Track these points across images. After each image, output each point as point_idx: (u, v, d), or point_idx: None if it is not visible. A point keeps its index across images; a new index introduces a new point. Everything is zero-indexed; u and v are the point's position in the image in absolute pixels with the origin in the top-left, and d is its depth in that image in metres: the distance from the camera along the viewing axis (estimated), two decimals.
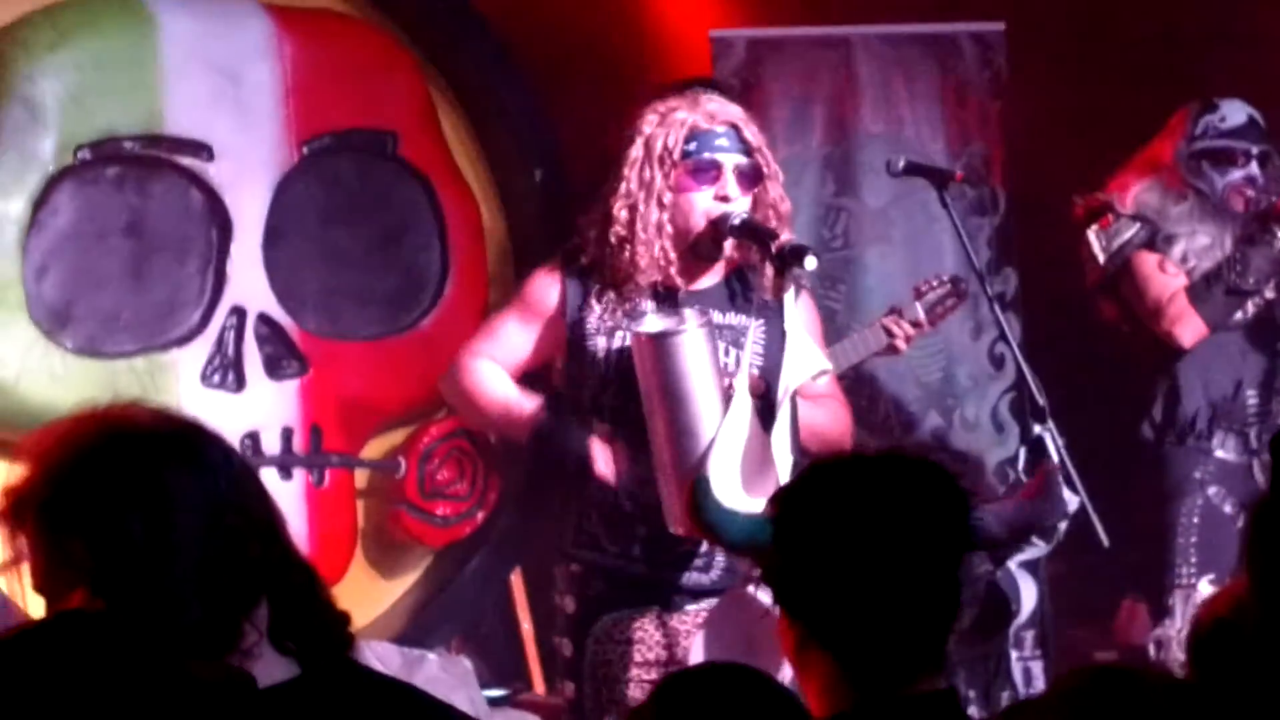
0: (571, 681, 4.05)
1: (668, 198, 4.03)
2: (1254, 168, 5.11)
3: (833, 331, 5.27)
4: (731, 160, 4.06)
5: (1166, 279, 5.12)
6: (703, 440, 3.86)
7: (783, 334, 4.05)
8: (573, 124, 5.51)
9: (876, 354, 4.78)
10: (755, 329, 4.10)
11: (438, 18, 5.14)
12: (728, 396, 3.95)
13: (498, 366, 4.12)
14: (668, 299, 4.07)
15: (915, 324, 4.69)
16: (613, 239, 4.04)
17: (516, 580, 5.42)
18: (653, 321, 3.98)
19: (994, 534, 2.66)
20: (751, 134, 4.11)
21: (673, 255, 4.03)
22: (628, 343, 3.99)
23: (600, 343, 4.03)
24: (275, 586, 2.10)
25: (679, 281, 4.07)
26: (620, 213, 4.05)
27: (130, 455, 2.07)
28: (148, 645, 1.82)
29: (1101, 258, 5.22)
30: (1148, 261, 5.15)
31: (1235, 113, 5.16)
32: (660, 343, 3.87)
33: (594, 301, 4.05)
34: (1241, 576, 2.21)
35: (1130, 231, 5.17)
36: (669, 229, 4.03)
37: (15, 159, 4.65)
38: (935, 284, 4.84)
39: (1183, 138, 5.19)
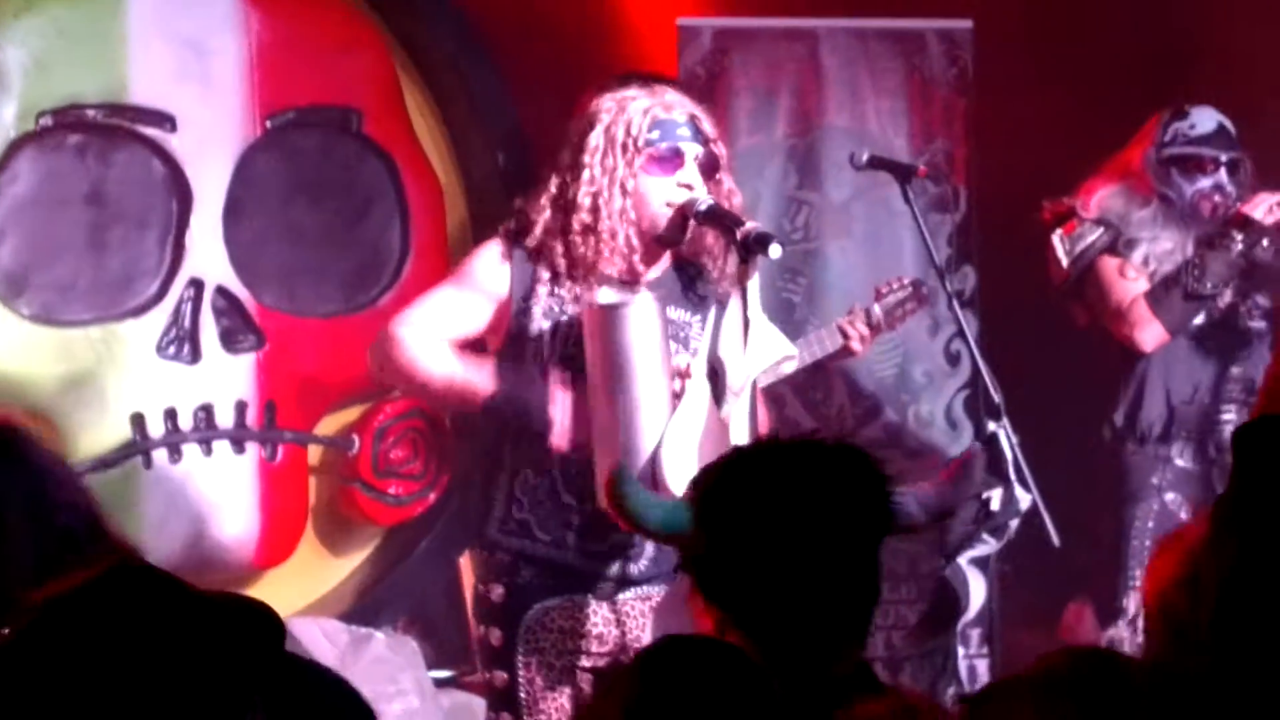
0: (502, 671, 4.01)
1: (631, 185, 4.02)
2: (1223, 175, 5.12)
3: (791, 324, 5.30)
4: (693, 149, 4.06)
5: (1127, 284, 5.14)
6: (644, 417, 3.84)
7: (731, 325, 4.05)
8: (536, 108, 5.50)
9: (833, 356, 4.78)
10: (714, 315, 4.09)
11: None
12: (676, 376, 3.94)
13: (432, 335, 4.00)
14: (626, 287, 4.05)
15: (874, 326, 4.70)
16: (576, 226, 4.00)
17: (466, 563, 5.41)
18: (604, 293, 3.97)
19: (914, 517, 2.68)
20: (709, 126, 4.12)
21: (636, 243, 4.02)
22: (575, 331, 3.96)
23: (545, 327, 3.98)
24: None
25: (640, 269, 4.06)
26: (583, 200, 4.02)
27: None
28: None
29: (1065, 261, 5.25)
30: (1109, 267, 5.18)
31: (1205, 120, 5.17)
32: (609, 312, 3.86)
33: (540, 288, 4.00)
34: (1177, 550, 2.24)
35: (1093, 236, 5.20)
36: (632, 215, 4.02)
37: None
38: (896, 286, 4.85)
39: (1152, 144, 5.21)
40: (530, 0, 5.72)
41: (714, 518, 2.46)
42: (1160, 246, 5.15)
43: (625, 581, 3.99)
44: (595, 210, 4.00)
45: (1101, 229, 5.19)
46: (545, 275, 4.01)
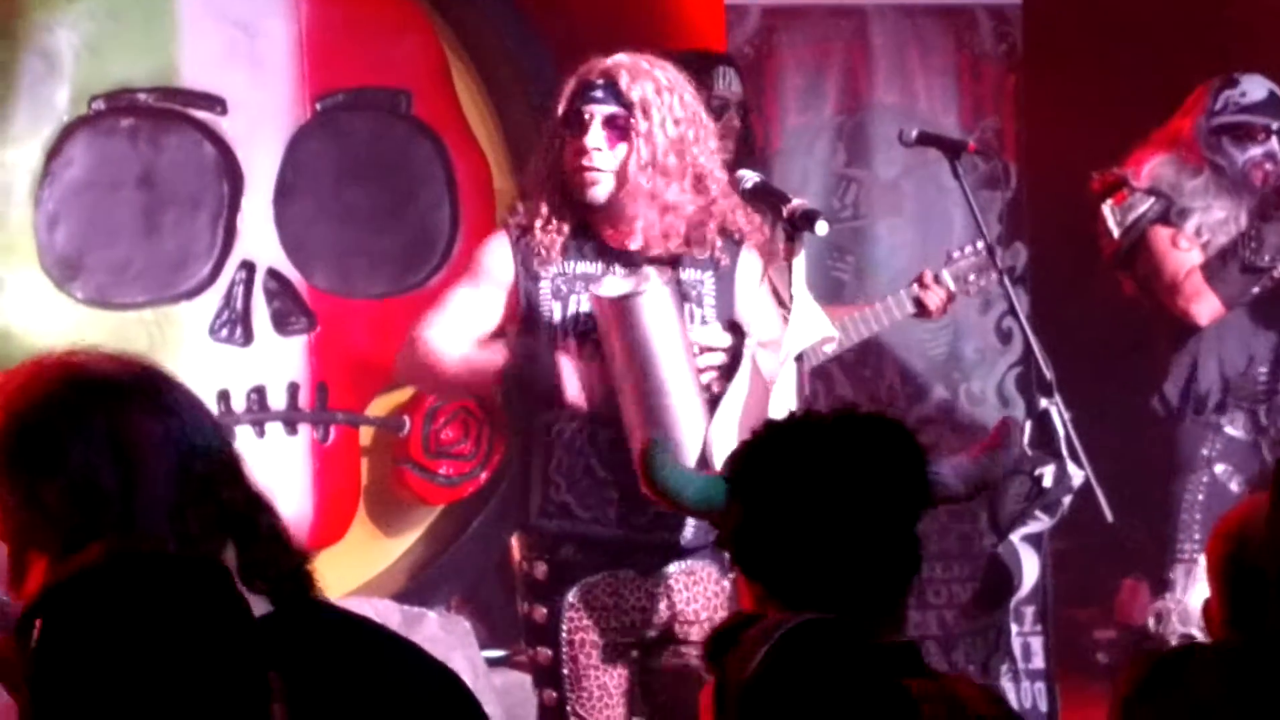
0: (547, 648, 4.01)
1: (552, 152, 4.00)
2: (1274, 143, 5.09)
3: (840, 302, 5.29)
4: (602, 110, 3.97)
5: (1181, 255, 5.11)
6: (673, 400, 3.82)
7: (742, 284, 4.02)
8: None
9: (910, 316, 4.75)
10: (710, 287, 4.03)
11: None
12: (696, 354, 3.90)
13: (449, 333, 3.99)
14: (623, 259, 3.99)
15: (946, 290, 4.68)
16: (532, 195, 4.02)
17: (517, 543, 5.42)
18: (612, 283, 3.93)
19: (952, 489, 2.67)
20: (634, 89, 3.99)
21: (563, 211, 3.96)
22: (584, 307, 3.94)
23: (556, 307, 3.97)
24: (242, 529, 2.09)
25: (601, 232, 3.98)
26: (535, 169, 4.06)
27: (96, 400, 2.05)
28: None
29: (1116, 232, 5.21)
30: (1162, 237, 5.14)
31: (1256, 88, 5.15)
32: (622, 304, 3.83)
33: (547, 267, 3.98)
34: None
35: (1144, 206, 5.17)
36: (556, 182, 3.98)
37: (30, 109, 4.66)
38: (970, 251, 4.81)
39: (1202, 113, 5.17)
40: None
41: (749, 491, 2.46)
42: (1213, 216, 5.11)
43: (670, 553, 3.98)
44: (538, 176, 4.00)
45: (1153, 199, 5.15)
46: (540, 250, 3.97)
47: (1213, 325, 5.13)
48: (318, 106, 4.93)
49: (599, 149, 3.91)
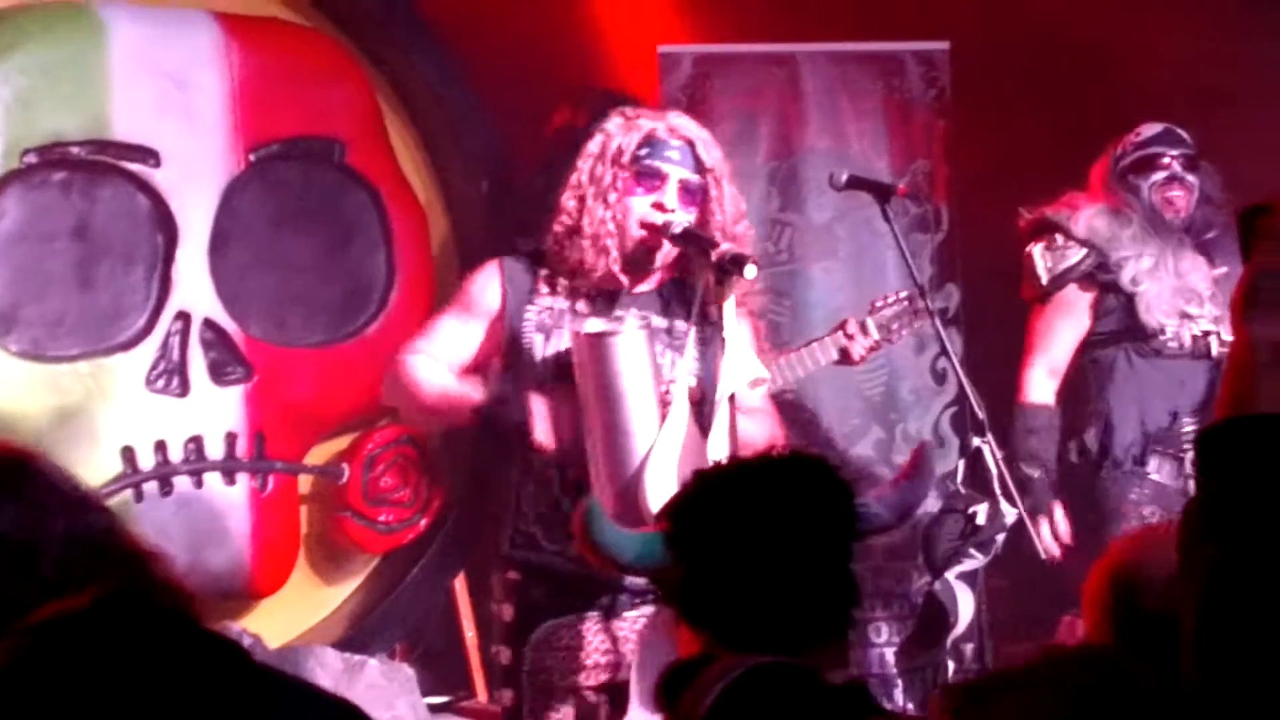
0: (510, 689, 4.05)
1: (613, 196, 4.08)
2: (1176, 168, 5.17)
3: (777, 346, 5.33)
4: (678, 173, 4.10)
5: (1054, 337, 5.16)
6: (637, 442, 3.89)
7: (719, 344, 4.09)
8: (520, 136, 5.55)
9: (833, 363, 4.81)
10: (694, 336, 4.13)
11: (387, 28, 5.16)
12: (665, 401, 3.98)
13: (434, 360, 4.13)
14: (608, 299, 4.11)
15: (871, 339, 4.73)
16: (559, 228, 4.09)
17: (460, 588, 5.44)
18: (594, 323, 4.02)
19: (880, 518, 2.72)
20: (709, 156, 4.15)
21: (615, 253, 4.06)
22: (566, 344, 4.02)
23: (539, 341, 4.06)
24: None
25: (622, 280, 4.11)
26: (569, 203, 4.12)
27: None
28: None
29: (1044, 279, 5.24)
30: (1059, 306, 5.18)
31: (1150, 128, 5.26)
32: (598, 342, 3.91)
33: (537, 295, 4.09)
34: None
35: (1076, 258, 5.19)
36: (611, 227, 4.07)
37: None
38: (891, 299, 4.87)
39: (1110, 162, 5.27)
40: (511, 28, 5.79)
41: (687, 544, 2.50)
42: (1144, 264, 5.16)
43: (637, 594, 4.02)
44: (579, 214, 4.07)
45: (1086, 251, 5.18)
46: (542, 285, 4.08)
47: (1134, 377, 5.17)
48: (251, 157, 4.94)
49: (670, 208, 4.02)
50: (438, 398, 4.12)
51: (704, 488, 2.56)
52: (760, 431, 4.25)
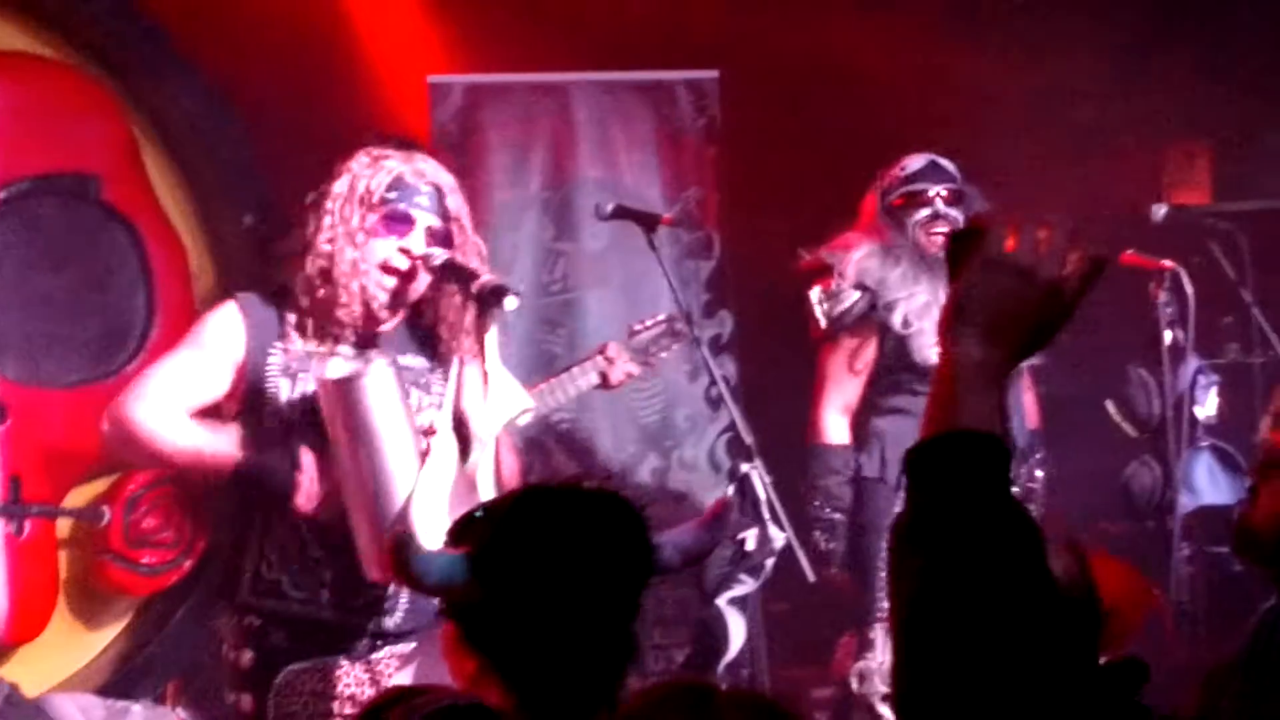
0: None
1: (361, 238, 4.03)
2: (940, 205, 5.18)
3: (553, 374, 5.32)
4: (425, 219, 4.05)
5: (838, 383, 5.20)
6: (397, 483, 3.84)
7: (480, 378, 4.06)
8: (288, 168, 5.48)
9: (593, 388, 4.82)
10: (454, 370, 4.10)
11: (144, 62, 5.08)
12: (421, 436, 3.94)
13: (174, 407, 3.92)
14: (360, 341, 4.05)
15: (629, 363, 4.74)
16: (309, 269, 4.01)
17: (223, 631, 5.34)
18: (337, 365, 3.94)
19: (671, 561, 2.72)
20: (454, 203, 4.11)
21: (363, 295, 4.01)
22: (313, 388, 3.94)
23: (284, 385, 3.96)
24: None
25: (374, 321, 4.06)
26: (322, 246, 4.03)
27: None
28: None
29: (823, 322, 5.25)
30: (840, 353, 5.21)
31: (915, 161, 5.26)
32: (345, 386, 3.84)
33: (280, 341, 3.98)
34: None
35: (850, 300, 5.19)
36: (362, 268, 4.02)
37: None
38: (650, 323, 4.89)
39: (878, 196, 5.29)
40: (280, 60, 5.72)
41: (490, 567, 2.48)
42: (917, 302, 5.19)
43: (381, 636, 3.96)
44: (330, 257, 4.00)
45: (859, 293, 5.20)
46: (290, 328, 3.98)
47: (914, 405, 5.19)
48: (3, 195, 4.84)
49: (413, 252, 3.97)
50: (190, 459, 3.92)
51: (509, 511, 2.55)
52: (505, 462, 4.22)
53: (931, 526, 1.77)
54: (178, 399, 3.90)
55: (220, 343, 3.94)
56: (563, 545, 2.45)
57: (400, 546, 2.79)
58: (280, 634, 3.90)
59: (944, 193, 5.17)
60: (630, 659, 2.49)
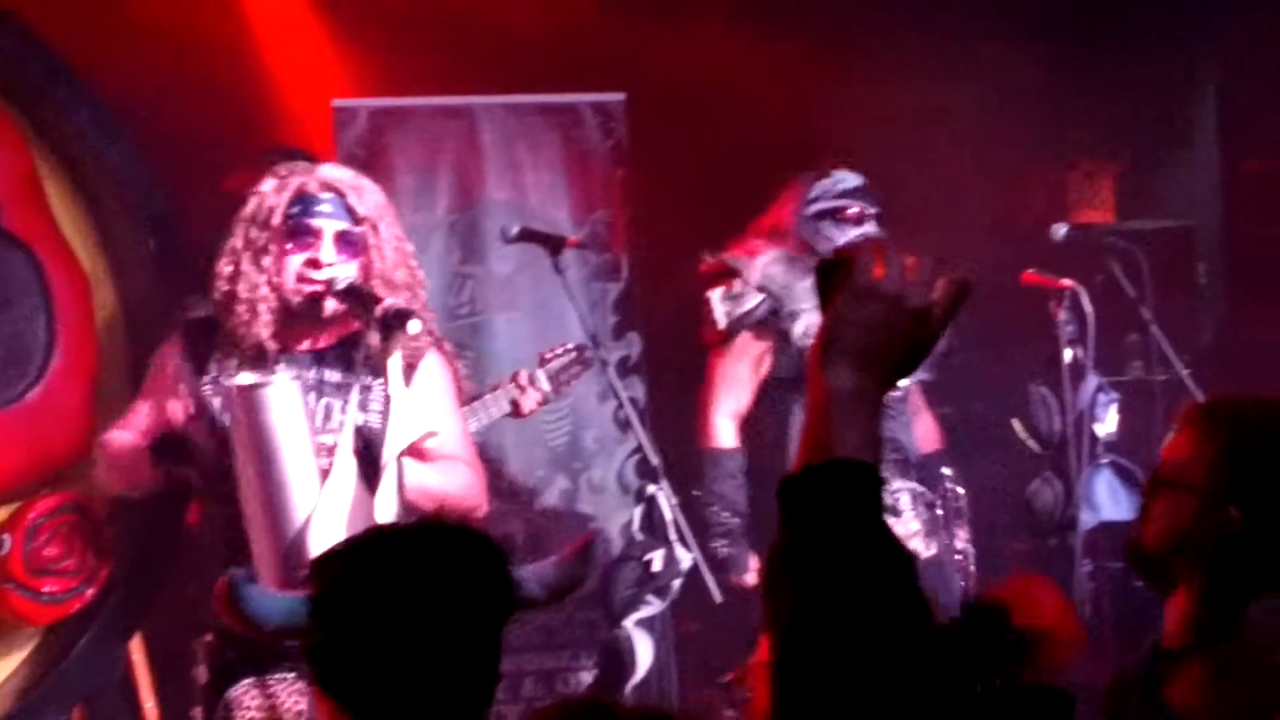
0: None
1: (267, 260, 4.04)
2: (871, 227, 5.19)
3: (461, 399, 5.31)
4: (332, 226, 4.07)
5: (731, 383, 5.20)
6: (295, 499, 3.84)
7: (385, 399, 4.07)
8: (195, 192, 5.46)
9: (504, 416, 4.83)
10: (358, 391, 4.10)
11: (44, 90, 5.02)
12: (324, 455, 3.94)
13: (129, 431, 4.15)
14: (268, 359, 4.07)
15: (541, 391, 4.77)
16: (218, 296, 4.05)
17: (139, 658, 5.31)
18: (246, 377, 3.99)
19: (533, 595, 2.71)
20: (363, 204, 4.12)
21: (268, 318, 4.04)
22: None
23: (216, 405, 4.03)
24: None
25: (275, 344, 4.08)
26: (225, 269, 4.07)
27: None
28: None
29: (722, 322, 5.24)
30: (735, 354, 5.21)
31: (850, 177, 5.26)
32: (248, 394, 3.86)
33: (211, 364, 4.07)
34: None
35: (753, 303, 5.20)
36: (264, 291, 4.03)
37: None
38: (560, 350, 4.90)
39: (801, 202, 5.26)
40: (185, 86, 5.71)
41: (331, 609, 2.44)
42: (819, 316, 5.18)
43: None
44: (234, 280, 4.03)
45: (763, 297, 5.20)
46: (217, 350, 4.06)
47: (790, 425, 5.21)
48: None
49: (326, 263, 3.98)
50: (127, 461, 4.14)
51: (352, 551, 2.52)
52: (447, 480, 4.21)
53: (806, 556, 1.78)
54: (139, 430, 4.13)
55: (164, 373, 4.15)
56: (405, 584, 2.39)
57: (234, 588, 2.77)
58: (232, 651, 3.97)
59: (871, 214, 5.19)
60: (491, 695, 2.45)
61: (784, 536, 1.82)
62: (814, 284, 1.90)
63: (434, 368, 4.21)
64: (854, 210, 5.21)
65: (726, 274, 5.31)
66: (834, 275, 1.87)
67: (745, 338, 5.22)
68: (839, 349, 1.84)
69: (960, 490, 5.39)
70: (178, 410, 4.11)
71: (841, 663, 1.75)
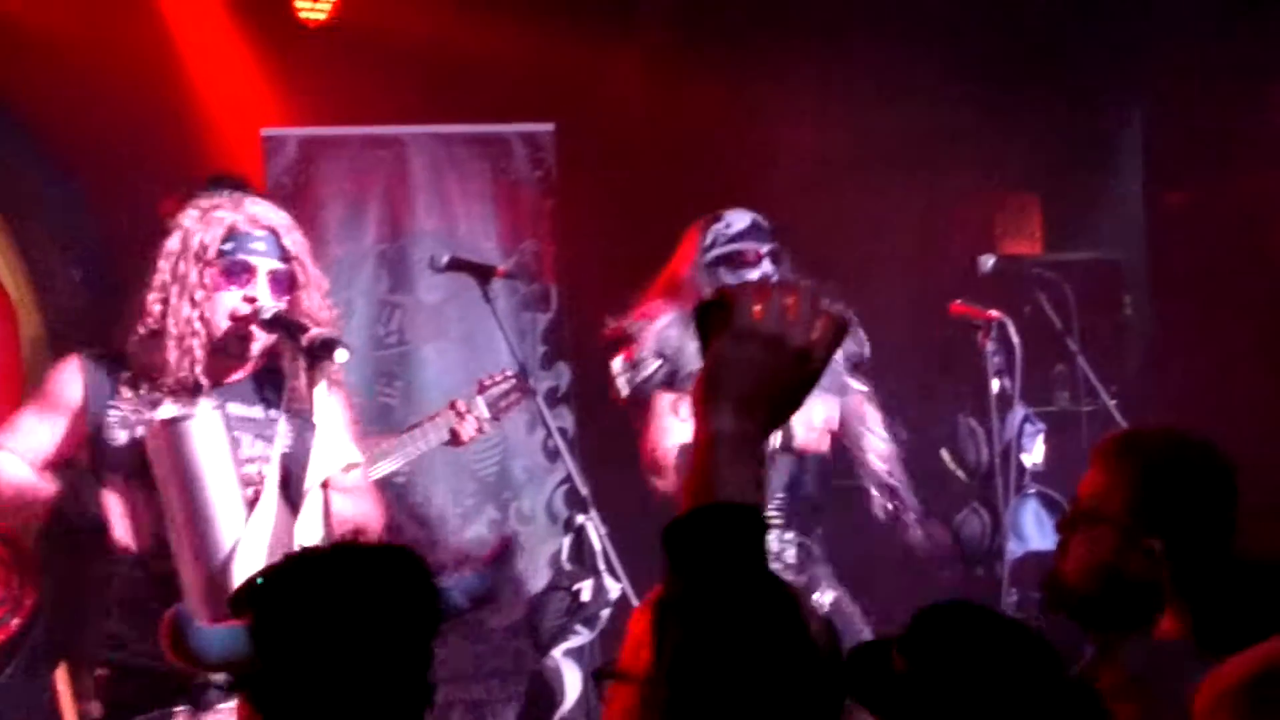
0: None
1: (199, 294, 4.02)
2: (767, 265, 5.17)
3: (390, 428, 5.30)
4: (266, 264, 4.06)
5: (668, 427, 5.16)
6: (221, 529, 3.83)
7: (310, 429, 4.06)
8: (122, 222, 5.44)
9: (441, 445, 4.81)
10: (284, 422, 4.09)
11: None
12: (249, 485, 3.93)
13: (13, 455, 4.02)
14: (194, 393, 4.04)
15: (479, 419, 4.75)
16: (143, 331, 4.01)
17: (64, 686, 5.26)
18: (168, 409, 3.96)
19: (458, 605, 2.72)
20: (292, 242, 4.12)
21: (199, 353, 4.01)
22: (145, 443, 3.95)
23: (122, 436, 3.98)
24: None
25: (205, 379, 4.05)
26: (154, 306, 4.03)
27: None
28: None
29: (624, 390, 5.21)
30: (662, 402, 5.18)
31: (739, 218, 5.23)
32: (172, 428, 3.84)
33: (119, 394, 4.01)
34: None
35: (651, 369, 5.17)
36: (197, 325, 4.01)
37: None
38: (499, 378, 4.89)
39: (697, 251, 5.26)
40: (113, 114, 5.68)
41: (271, 635, 2.45)
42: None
43: (212, 685, 3.94)
44: (164, 317, 4.00)
45: (660, 361, 5.18)
46: (124, 388, 4.00)
47: None
48: None
49: (260, 301, 3.98)
50: (12, 493, 4.01)
51: (281, 578, 2.52)
52: (359, 512, 4.22)
53: (691, 601, 1.78)
54: (24, 450, 4.01)
55: (61, 395, 4.01)
56: (335, 603, 2.41)
57: (177, 626, 2.76)
58: (128, 686, 3.91)
59: (766, 252, 5.17)
60: (427, 708, 2.47)
61: (668, 583, 1.81)
62: (694, 325, 1.89)
63: (335, 400, 4.21)
64: (749, 252, 5.20)
65: (627, 340, 5.28)
66: (713, 316, 1.85)
67: (659, 397, 5.21)
68: (721, 392, 1.81)
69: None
70: (67, 433, 4.03)
71: (724, 705, 1.75)
